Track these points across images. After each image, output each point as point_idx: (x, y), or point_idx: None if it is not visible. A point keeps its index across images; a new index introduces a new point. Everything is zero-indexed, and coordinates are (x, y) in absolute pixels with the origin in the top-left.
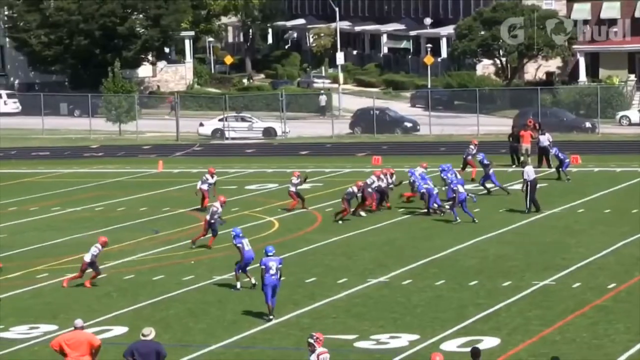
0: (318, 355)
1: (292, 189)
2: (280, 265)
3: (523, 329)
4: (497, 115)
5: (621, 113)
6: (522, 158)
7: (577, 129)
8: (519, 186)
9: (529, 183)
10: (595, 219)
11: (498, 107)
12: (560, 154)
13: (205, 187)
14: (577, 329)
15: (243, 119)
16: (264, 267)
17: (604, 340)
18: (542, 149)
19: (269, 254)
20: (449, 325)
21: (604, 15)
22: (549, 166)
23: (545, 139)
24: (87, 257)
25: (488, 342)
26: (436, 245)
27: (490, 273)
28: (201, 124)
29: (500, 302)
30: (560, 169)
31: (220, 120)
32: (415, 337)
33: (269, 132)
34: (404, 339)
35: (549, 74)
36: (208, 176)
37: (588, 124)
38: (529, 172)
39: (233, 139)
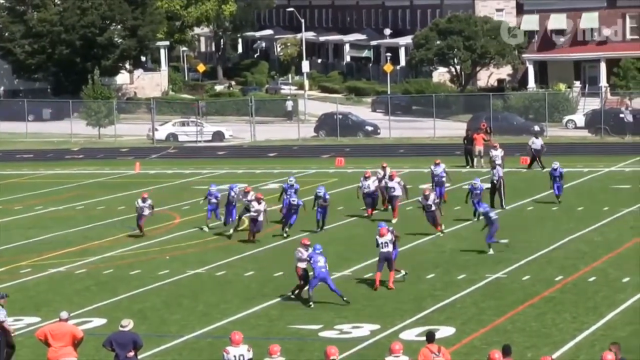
0: None
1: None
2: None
3: (477, 318)
4: (452, 119)
5: (567, 117)
6: (475, 160)
7: (527, 132)
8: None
9: (502, 180)
10: (543, 215)
11: (453, 111)
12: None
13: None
14: (527, 319)
15: (194, 124)
16: (311, 260)
17: (552, 329)
18: (535, 152)
19: (317, 250)
20: (408, 316)
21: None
22: (542, 167)
23: (539, 143)
24: None
25: (444, 331)
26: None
27: (446, 267)
28: (156, 129)
29: (455, 293)
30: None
31: (173, 125)
32: (376, 327)
33: (218, 135)
34: (365, 329)
35: (500, 81)
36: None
37: (537, 128)
38: (495, 173)
39: (184, 142)
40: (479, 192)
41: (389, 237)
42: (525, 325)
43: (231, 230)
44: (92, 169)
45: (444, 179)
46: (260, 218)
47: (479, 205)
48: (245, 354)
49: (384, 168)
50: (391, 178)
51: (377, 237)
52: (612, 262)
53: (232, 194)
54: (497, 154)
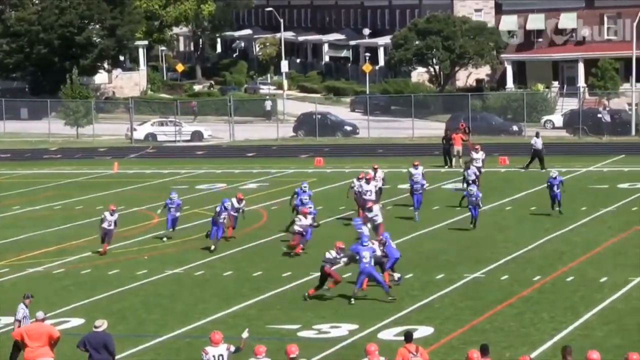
0: None
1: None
2: (373, 254)
3: (455, 318)
4: (431, 119)
5: (545, 117)
6: (454, 160)
7: (505, 132)
8: (451, 185)
9: (472, 182)
10: (522, 216)
11: (432, 111)
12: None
13: (232, 212)
14: (505, 319)
15: (173, 123)
16: (357, 255)
17: (530, 329)
18: (536, 151)
19: (364, 244)
20: (386, 316)
21: (530, 26)
22: (543, 167)
23: (540, 142)
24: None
25: (422, 331)
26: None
27: (425, 267)
28: (134, 129)
29: (434, 293)
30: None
31: (152, 125)
32: (354, 326)
33: (196, 135)
34: (344, 329)
35: (478, 81)
36: (234, 200)
37: (515, 128)
38: (469, 174)
39: (163, 141)
40: (474, 198)
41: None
42: (504, 325)
43: (212, 247)
44: (70, 168)
45: (423, 186)
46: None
47: (475, 211)
48: (224, 354)
49: (375, 169)
50: (368, 181)
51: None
52: (590, 262)
53: (221, 208)
54: (479, 156)
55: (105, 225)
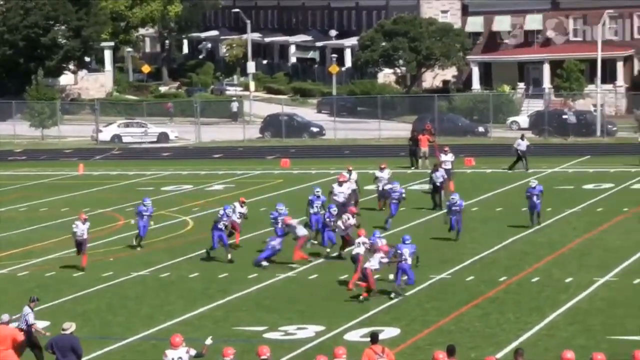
0: None
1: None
2: (413, 251)
3: (421, 319)
4: (397, 120)
5: (511, 118)
6: (420, 161)
7: (471, 133)
8: (418, 186)
9: (440, 184)
10: (488, 216)
11: (398, 113)
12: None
13: (236, 218)
14: (471, 319)
15: (139, 125)
16: (399, 252)
17: (496, 330)
18: (522, 152)
19: (406, 242)
20: (353, 317)
21: (496, 27)
22: (526, 169)
23: (525, 144)
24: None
25: (388, 332)
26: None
27: (391, 268)
28: (100, 130)
29: (400, 294)
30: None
31: (118, 126)
32: (321, 328)
33: (163, 136)
34: (310, 330)
35: (445, 82)
36: (237, 205)
37: (481, 129)
38: (437, 176)
39: (129, 143)
40: (458, 208)
41: (363, 238)
42: (469, 326)
43: (229, 257)
44: (36, 170)
45: (402, 194)
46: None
47: (458, 224)
48: (184, 357)
49: (349, 171)
50: (340, 183)
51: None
52: (555, 263)
53: (222, 213)
54: (448, 158)
55: (78, 235)
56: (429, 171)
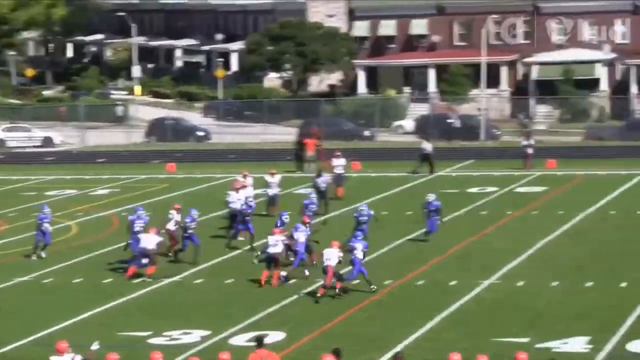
0: None
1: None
2: (366, 246)
3: (306, 323)
4: (284, 124)
5: (397, 122)
6: (305, 165)
7: (358, 137)
8: (304, 190)
9: (324, 190)
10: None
11: (284, 117)
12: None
13: (172, 226)
14: (356, 323)
15: (23, 129)
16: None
17: (381, 333)
18: (424, 156)
19: (357, 238)
20: (238, 321)
21: (381, 32)
22: (432, 172)
23: (429, 147)
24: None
25: (274, 336)
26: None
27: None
28: None
29: (285, 298)
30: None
31: (2, 130)
32: (206, 332)
33: (47, 141)
34: (195, 335)
35: (331, 86)
36: (174, 212)
37: (367, 133)
38: (321, 182)
39: (12, 147)
40: (433, 208)
41: (279, 237)
42: (354, 330)
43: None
44: None
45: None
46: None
47: (432, 227)
48: None
49: (245, 176)
50: (237, 190)
51: (269, 236)
52: (439, 266)
53: (188, 219)
54: (340, 163)
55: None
56: (315, 177)
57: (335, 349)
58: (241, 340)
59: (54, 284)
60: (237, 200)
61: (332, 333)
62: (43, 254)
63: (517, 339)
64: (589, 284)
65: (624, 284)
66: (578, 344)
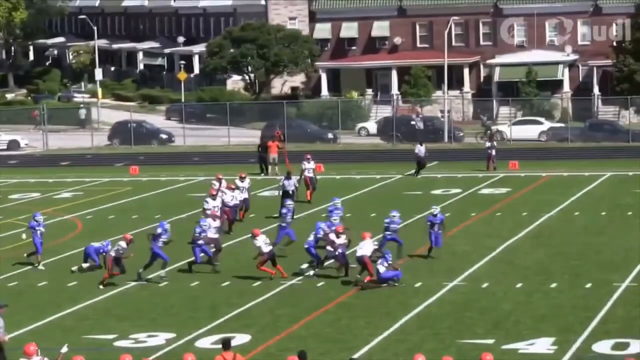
0: None
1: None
2: None
3: (272, 325)
4: (247, 127)
5: (360, 125)
6: (270, 167)
7: (320, 140)
8: (268, 193)
9: (292, 192)
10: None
11: (247, 119)
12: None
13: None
14: (322, 325)
15: None
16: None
17: (347, 335)
18: (419, 158)
19: None
20: (203, 324)
21: (343, 34)
22: (417, 174)
23: (423, 150)
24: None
25: (240, 339)
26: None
27: (242, 274)
28: None
29: (251, 301)
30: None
31: None
32: (171, 335)
33: (13, 144)
34: (161, 338)
35: (294, 89)
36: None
37: (330, 135)
38: (289, 184)
39: None
40: (439, 222)
41: (263, 238)
42: (320, 331)
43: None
44: None
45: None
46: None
47: (437, 242)
48: None
49: (219, 180)
50: (214, 197)
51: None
52: (404, 268)
53: (160, 230)
54: (310, 166)
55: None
56: (277, 177)
57: (301, 352)
58: (207, 342)
59: (18, 287)
60: (212, 207)
61: (298, 335)
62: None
63: (482, 341)
64: (554, 285)
65: (588, 285)
66: (544, 345)
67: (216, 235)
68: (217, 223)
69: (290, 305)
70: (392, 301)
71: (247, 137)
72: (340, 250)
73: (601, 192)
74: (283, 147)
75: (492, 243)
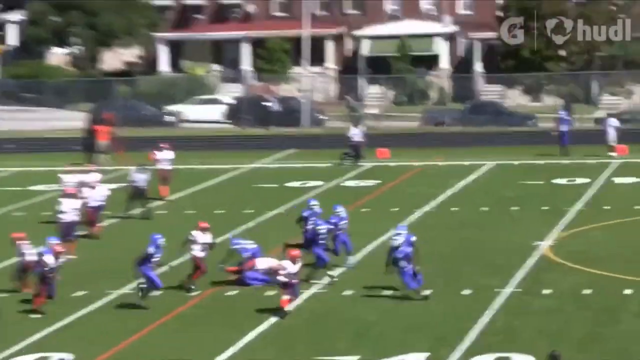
0: None
1: None
2: None
3: (99, 341)
4: (71, 108)
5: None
6: (101, 156)
7: (158, 124)
8: (116, 186)
9: (143, 188)
10: (178, 216)
11: (71, 99)
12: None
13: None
14: (157, 340)
15: None
16: None
17: (186, 352)
18: (356, 143)
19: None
20: (19, 340)
21: (187, 0)
22: (359, 158)
23: (358, 132)
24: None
25: (61, 357)
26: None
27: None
28: None
29: (75, 313)
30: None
31: None
32: None
33: None
34: None
35: (128, 64)
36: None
37: (169, 118)
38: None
39: None
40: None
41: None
42: (155, 347)
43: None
44: None
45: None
46: None
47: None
48: None
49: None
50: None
51: None
52: None
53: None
54: (166, 156)
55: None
56: (109, 168)
57: None
58: None
59: None
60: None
61: (129, 352)
62: None
63: (344, 357)
64: (427, 291)
65: (466, 292)
66: None
67: None
68: None
69: (121, 320)
70: (240, 312)
71: (71, 120)
72: (294, 281)
73: (483, 184)
74: (114, 133)
75: (357, 243)
